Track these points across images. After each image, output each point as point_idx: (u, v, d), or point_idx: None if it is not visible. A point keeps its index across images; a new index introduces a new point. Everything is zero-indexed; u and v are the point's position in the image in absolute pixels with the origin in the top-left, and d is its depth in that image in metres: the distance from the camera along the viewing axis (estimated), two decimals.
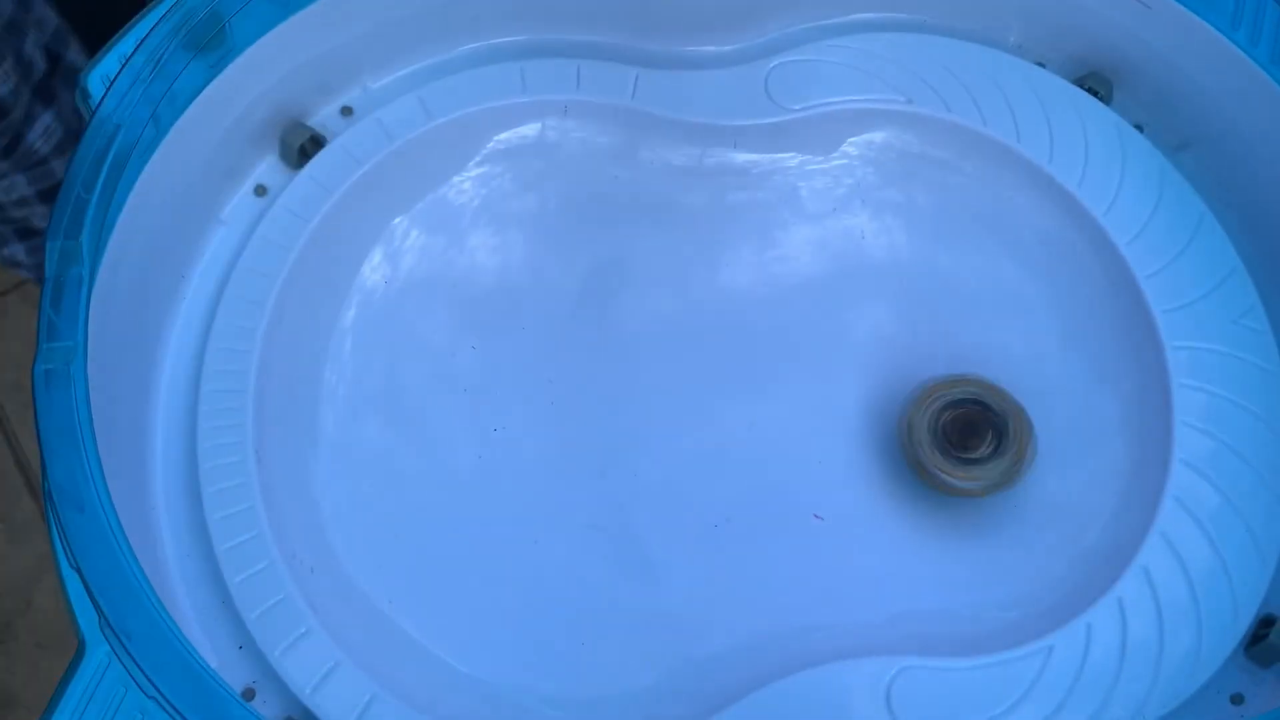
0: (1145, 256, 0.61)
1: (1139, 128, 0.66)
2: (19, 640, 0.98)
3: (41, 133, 0.91)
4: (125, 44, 0.59)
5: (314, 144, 0.65)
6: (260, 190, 0.66)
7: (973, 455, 0.60)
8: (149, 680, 0.47)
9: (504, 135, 0.66)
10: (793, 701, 0.54)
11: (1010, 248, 0.65)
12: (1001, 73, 0.65)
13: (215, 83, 0.60)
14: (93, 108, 0.57)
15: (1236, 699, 0.55)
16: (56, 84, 0.91)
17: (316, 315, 0.63)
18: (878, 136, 0.66)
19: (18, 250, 1.04)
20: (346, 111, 0.68)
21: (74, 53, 0.94)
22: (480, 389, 0.63)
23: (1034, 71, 0.66)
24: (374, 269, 0.65)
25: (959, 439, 0.60)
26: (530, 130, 0.66)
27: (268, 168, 0.66)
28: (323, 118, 0.67)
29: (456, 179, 0.66)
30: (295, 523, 0.58)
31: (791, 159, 0.67)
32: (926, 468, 0.60)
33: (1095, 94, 0.66)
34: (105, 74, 0.58)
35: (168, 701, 0.46)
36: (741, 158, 0.67)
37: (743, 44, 0.69)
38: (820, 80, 0.65)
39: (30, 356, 0.51)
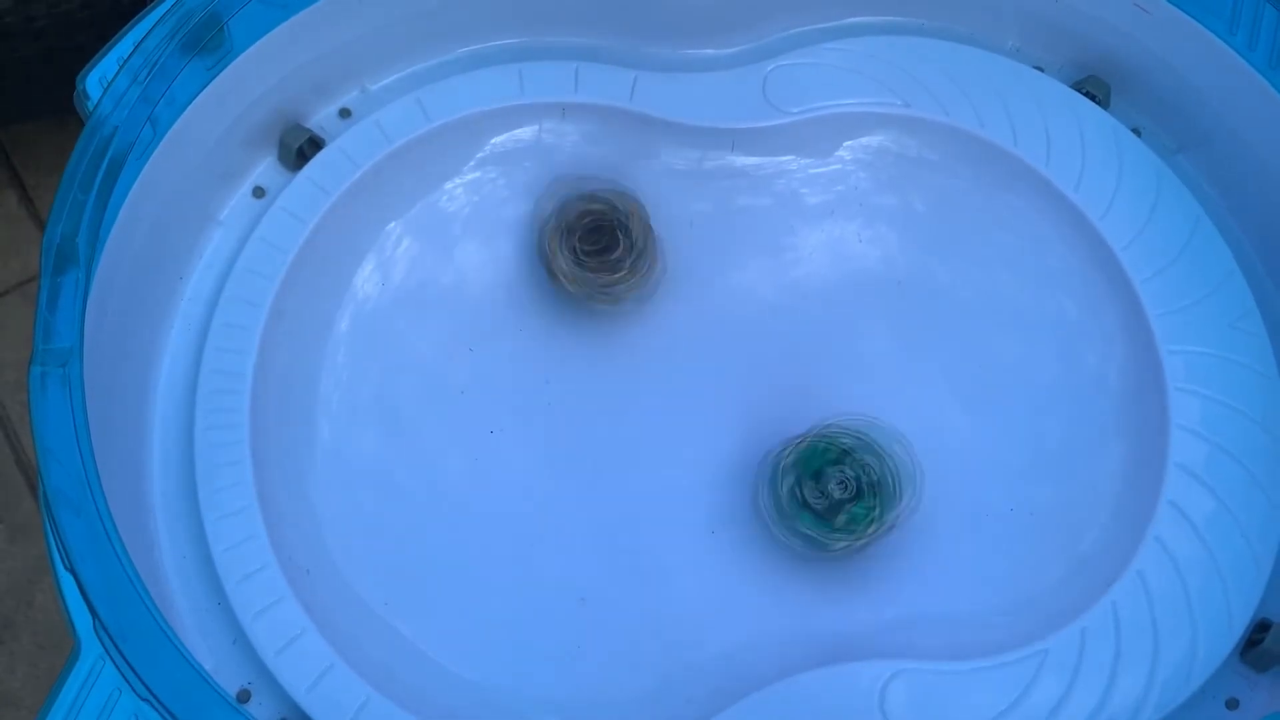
0: (1142, 260, 0.61)
1: (1137, 131, 0.66)
2: (19, 640, 0.98)
3: None
4: (123, 46, 0.59)
5: (312, 146, 0.65)
6: (258, 192, 0.66)
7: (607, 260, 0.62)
8: (142, 682, 0.47)
9: (500, 138, 0.66)
10: (788, 705, 0.54)
11: (1006, 252, 0.65)
12: (999, 76, 0.65)
13: (213, 84, 0.60)
14: (90, 109, 0.57)
15: (1232, 703, 0.55)
16: None
17: (314, 317, 0.63)
18: (875, 140, 0.66)
19: None
20: (345, 113, 0.68)
21: None
22: (477, 390, 0.63)
23: (1032, 75, 0.66)
24: (371, 270, 0.65)
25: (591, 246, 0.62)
26: (526, 133, 0.66)
27: (266, 169, 0.66)
28: (321, 119, 0.67)
29: (449, 185, 0.66)
30: (291, 525, 0.58)
31: (789, 162, 0.67)
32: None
33: (1093, 98, 0.66)
34: (103, 75, 0.58)
35: (161, 704, 0.46)
36: (740, 161, 0.67)
37: (741, 47, 0.69)
38: (818, 83, 0.65)
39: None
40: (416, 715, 0.53)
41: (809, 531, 0.57)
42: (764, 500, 0.59)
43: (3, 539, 1.00)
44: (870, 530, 0.57)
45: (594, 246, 0.63)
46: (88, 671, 0.47)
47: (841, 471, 0.58)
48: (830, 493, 0.57)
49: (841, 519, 0.57)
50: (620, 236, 0.63)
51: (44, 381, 0.51)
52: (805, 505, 0.58)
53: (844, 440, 0.59)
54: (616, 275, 0.62)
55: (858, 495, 0.58)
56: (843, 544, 0.57)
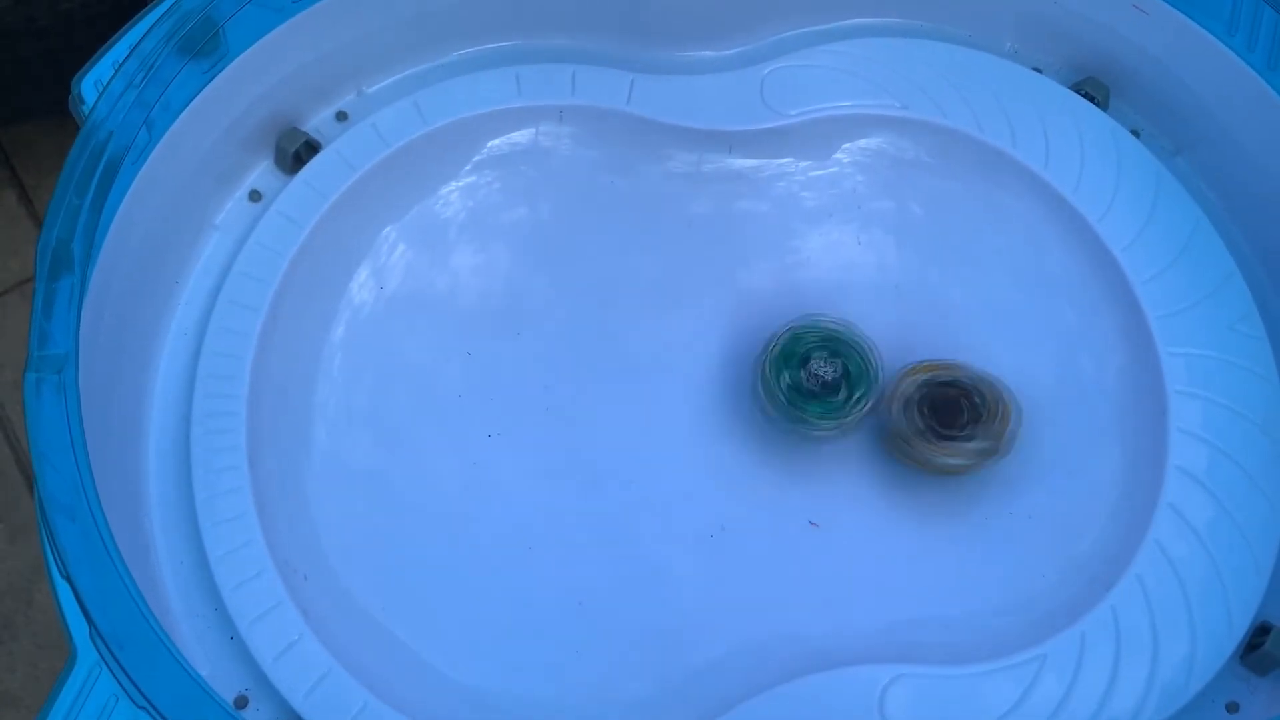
0: (1141, 262, 0.61)
1: (1135, 133, 0.65)
2: (19, 640, 0.98)
3: None
4: (119, 49, 0.59)
5: (309, 149, 0.65)
6: (255, 195, 0.65)
7: (953, 432, 0.59)
8: (139, 690, 0.46)
9: (496, 141, 0.66)
10: (787, 710, 0.54)
11: (1004, 254, 0.65)
12: (997, 78, 0.65)
13: (209, 88, 0.60)
14: (86, 113, 0.57)
15: (1232, 707, 0.55)
16: None
17: (310, 322, 0.63)
18: (873, 142, 0.66)
19: None
20: (341, 116, 0.68)
21: None
22: (475, 394, 0.63)
23: (1030, 77, 0.66)
24: (367, 275, 0.65)
25: (939, 418, 0.60)
26: (523, 136, 0.66)
27: (262, 173, 0.66)
28: (318, 123, 0.67)
29: (446, 189, 0.66)
30: (288, 530, 0.58)
31: (787, 165, 0.66)
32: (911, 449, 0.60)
33: (1092, 99, 0.66)
34: (99, 79, 0.58)
35: (158, 711, 0.46)
36: (738, 163, 0.67)
37: (738, 49, 0.69)
38: (816, 85, 0.65)
39: None
40: None
41: (804, 416, 0.60)
42: (761, 391, 0.62)
43: (3, 539, 1.00)
44: (855, 410, 0.60)
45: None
46: (84, 679, 0.47)
47: (827, 357, 0.61)
48: (820, 374, 0.61)
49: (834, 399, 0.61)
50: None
51: (39, 388, 0.51)
52: (797, 389, 0.61)
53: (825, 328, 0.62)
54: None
55: (844, 378, 0.61)
56: (831, 425, 0.61)
